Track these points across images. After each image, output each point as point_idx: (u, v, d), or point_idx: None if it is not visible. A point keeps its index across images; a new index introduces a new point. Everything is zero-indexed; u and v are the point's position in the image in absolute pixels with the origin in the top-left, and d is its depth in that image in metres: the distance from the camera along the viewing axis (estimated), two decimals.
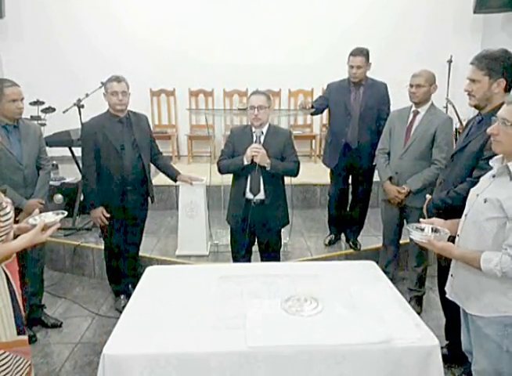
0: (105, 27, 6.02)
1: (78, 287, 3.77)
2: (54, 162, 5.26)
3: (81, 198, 4.23)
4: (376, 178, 3.53)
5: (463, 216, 1.87)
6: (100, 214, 3.10)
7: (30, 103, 5.12)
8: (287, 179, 3.13)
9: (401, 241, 3.35)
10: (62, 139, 4.23)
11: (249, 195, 2.90)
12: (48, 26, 6.03)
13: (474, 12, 5.77)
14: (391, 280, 2.48)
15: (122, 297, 3.35)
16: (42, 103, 5.38)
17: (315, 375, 1.70)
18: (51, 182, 3.33)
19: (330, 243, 3.97)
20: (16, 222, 1.96)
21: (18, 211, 2.59)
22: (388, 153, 3.19)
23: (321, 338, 1.74)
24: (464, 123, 3.89)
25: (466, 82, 2.21)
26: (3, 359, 1.76)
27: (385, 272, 2.50)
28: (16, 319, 1.83)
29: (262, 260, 3.09)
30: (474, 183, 1.93)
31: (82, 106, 4.14)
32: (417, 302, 3.23)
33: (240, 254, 3.06)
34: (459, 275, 1.88)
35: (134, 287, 2.34)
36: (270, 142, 2.88)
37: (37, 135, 2.94)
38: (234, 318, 1.88)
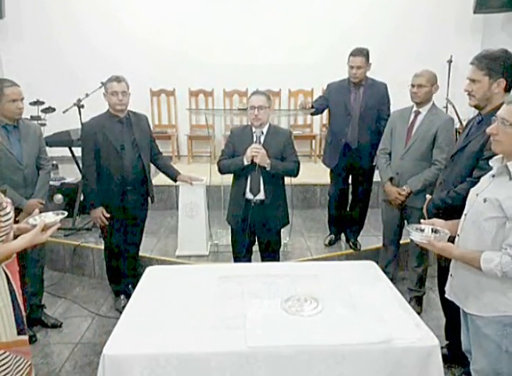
0: (105, 27, 6.02)
1: (78, 287, 3.77)
2: (54, 162, 5.26)
3: (81, 198, 4.23)
4: (376, 178, 3.54)
5: (463, 216, 1.87)
6: (100, 214, 3.10)
7: (30, 103, 5.12)
8: (287, 179, 3.13)
9: (401, 241, 3.35)
10: (62, 139, 4.23)
11: (249, 195, 2.90)
12: (48, 26, 6.03)
13: (474, 12, 5.78)
14: (391, 280, 2.48)
15: (122, 297, 3.35)
16: (42, 103, 5.38)
17: (315, 375, 1.70)
18: (51, 182, 3.34)
19: (330, 243, 3.97)
20: (16, 222, 1.96)
21: (18, 211, 2.59)
22: (389, 154, 3.18)
23: (321, 338, 1.74)
24: (464, 123, 3.89)
25: (466, 82, 2.21)
26: (3, 359, 1.76)
27: (385, 273, 2.49)
28: (16, 319, 1.83)
29: (263, 260, 3.10)
30: (474, 183, 1.93)
31: (82, 106, 4.14)
32: (417, 302, 3.23)
33: (241, 254, 3.06)
34: (459, 275, 1.88)
35: (134, 287, 2.34)
36: (270, 143, 2.88)
37: (37, 135, 2.94)
38: (234, 318, 1.88)
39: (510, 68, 2.11)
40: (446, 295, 1.98)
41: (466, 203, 1.88)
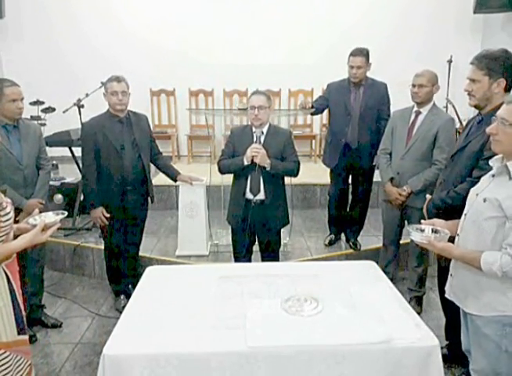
0: (105, 27, 6.02)
1: (78, 287, 3.77)
2: (54, 162, 5.26)
3: (81, 198, 4.23)
4: (376, 178, 3.53)
5: (463, 216, 1.87)
6: (100, 214, 3.10)
7: (30, 103, 5.12)
8: (287, 179, 3.13)
9: (401, 241, 3.35)
10: (62, 139, 4.23)
11: (249, 195, 2.90)
12: (48, 26, 6.03)
13: (474, 12, 5.78)
14: (391, 280, 2.48)
15: (122, 297, 3.35)
16: (42, 102, 5.38)
17: (315, 375, 1.70)
18: (51, 182, 3.34)
19: (330, 243, 3.97)
20: (16, 222, 1.96)
21: (18, 211, 2.59)
22: (390, 154, 3.18)
23: (321, 338, 1.74)
24: (464, 123, 3.89)
25: (466, 82, 2.21)
26: (4, 358, 1.77)
27: (385, 273, 2.49)
28: (16, 318, 1.83)
29: (263, 260, 3.10)
30: (474, 183, 1.94)
31: (82, 106, 4.14)
32: (417, 302, 3.23)
33: (241, 254, 3.06)
34: (459, 274, 1.88)
35: (134, 287, 2.34)
36: (270, 143, 2.88)
37: (37, 135, 2.94)
38: (234, 318, 1.88)
39: (510, 68, 2.11)
40: (446, 295, 1.99)
41: (466, 203, 1.88)
